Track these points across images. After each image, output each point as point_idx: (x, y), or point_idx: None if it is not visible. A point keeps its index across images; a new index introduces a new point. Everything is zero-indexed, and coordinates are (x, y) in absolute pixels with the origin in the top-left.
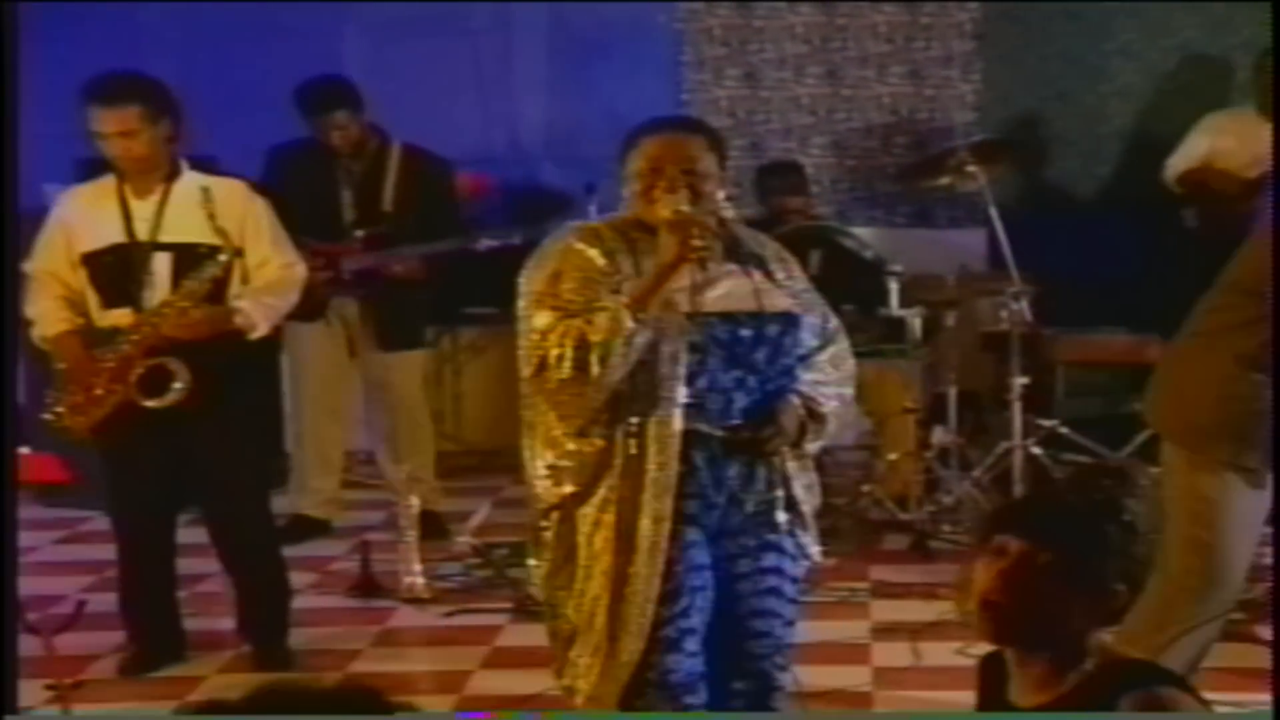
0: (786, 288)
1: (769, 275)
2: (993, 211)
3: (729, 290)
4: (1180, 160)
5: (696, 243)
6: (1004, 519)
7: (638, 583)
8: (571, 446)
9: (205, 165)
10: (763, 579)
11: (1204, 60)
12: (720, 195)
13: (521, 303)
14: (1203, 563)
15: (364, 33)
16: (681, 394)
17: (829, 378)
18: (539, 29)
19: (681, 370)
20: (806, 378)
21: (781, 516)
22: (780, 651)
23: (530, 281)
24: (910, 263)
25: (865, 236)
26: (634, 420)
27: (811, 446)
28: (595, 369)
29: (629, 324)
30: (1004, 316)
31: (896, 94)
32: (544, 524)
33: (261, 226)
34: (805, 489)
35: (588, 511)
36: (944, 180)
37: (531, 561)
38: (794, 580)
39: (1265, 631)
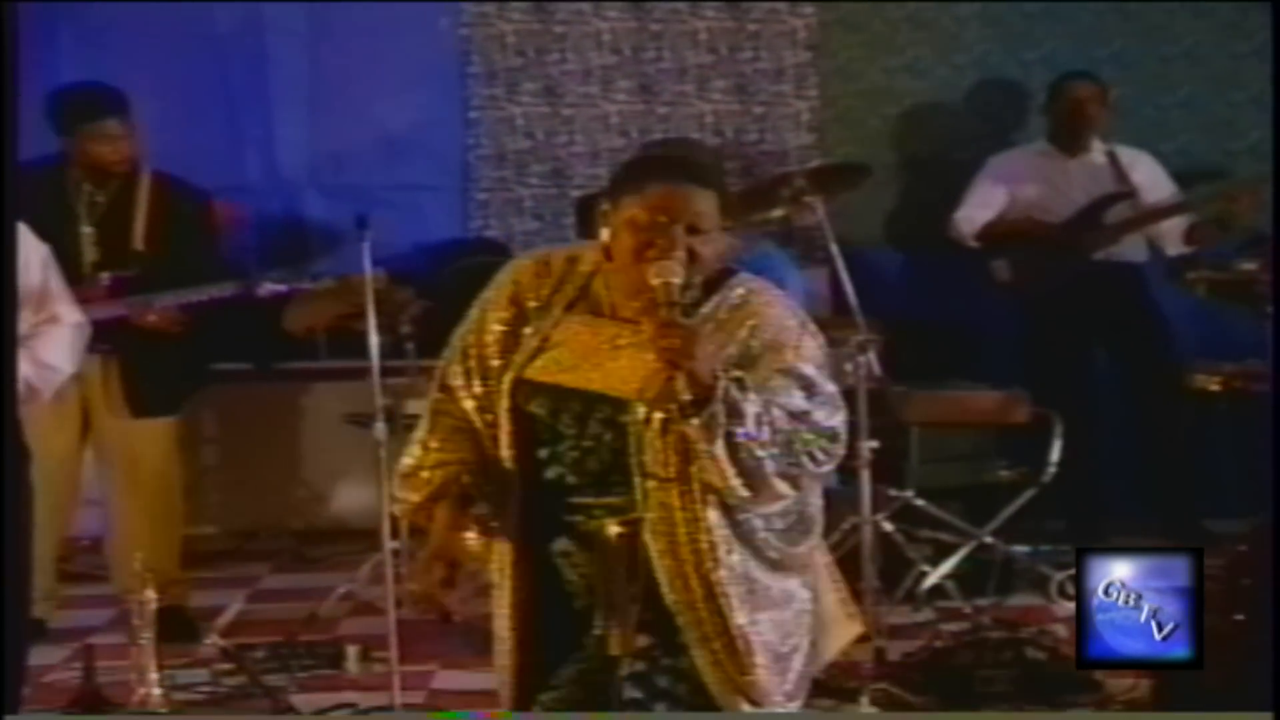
0: None
1: None
2: (833, 248)
3: None
4: (975, 213)
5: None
6: None
7: None
8: None
9: None
10: None
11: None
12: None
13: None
14: None
15: (82, 36)
16: None
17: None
18: (297, 33)
19: None
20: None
21: None
22: None
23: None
24: None
25: None
26: None
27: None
28: None
29: None
30: (849, 370)
31: (720, 112)
32: None
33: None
34: None
35: None
36: (777, 212)
37: None
38: None
39: None
